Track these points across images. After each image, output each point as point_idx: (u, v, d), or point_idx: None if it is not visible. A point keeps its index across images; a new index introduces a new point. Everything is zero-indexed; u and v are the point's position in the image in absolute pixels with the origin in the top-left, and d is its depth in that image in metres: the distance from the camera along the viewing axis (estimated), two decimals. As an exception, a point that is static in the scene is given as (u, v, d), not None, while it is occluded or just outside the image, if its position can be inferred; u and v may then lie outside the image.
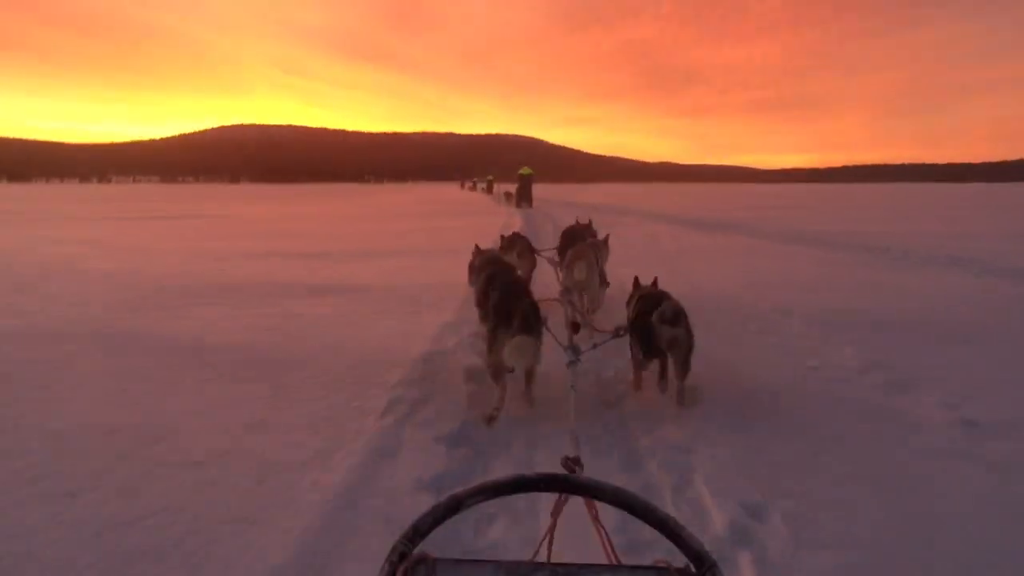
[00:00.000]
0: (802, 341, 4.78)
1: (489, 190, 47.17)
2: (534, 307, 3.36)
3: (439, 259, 8.99)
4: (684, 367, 3.38)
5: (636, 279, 4.18)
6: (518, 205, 25.65)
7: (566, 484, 0.89)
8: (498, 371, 3.30)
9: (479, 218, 18.34)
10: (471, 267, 4.80)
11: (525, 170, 26.37)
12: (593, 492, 0.86)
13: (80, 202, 32.17)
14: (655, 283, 4.08)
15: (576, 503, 0.97)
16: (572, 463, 1.36)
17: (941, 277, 7.83)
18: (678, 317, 3.34)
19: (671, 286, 4.00)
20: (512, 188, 28.68)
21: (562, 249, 6.06)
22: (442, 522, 0.81)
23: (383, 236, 13.09)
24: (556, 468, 1.22)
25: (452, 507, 0.82)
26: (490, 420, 3.23)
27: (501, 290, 3.63)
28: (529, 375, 3.45)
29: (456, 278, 6.05)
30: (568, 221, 7.79)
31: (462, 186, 74.77)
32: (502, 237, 6.38)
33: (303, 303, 6.00)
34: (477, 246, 5.06)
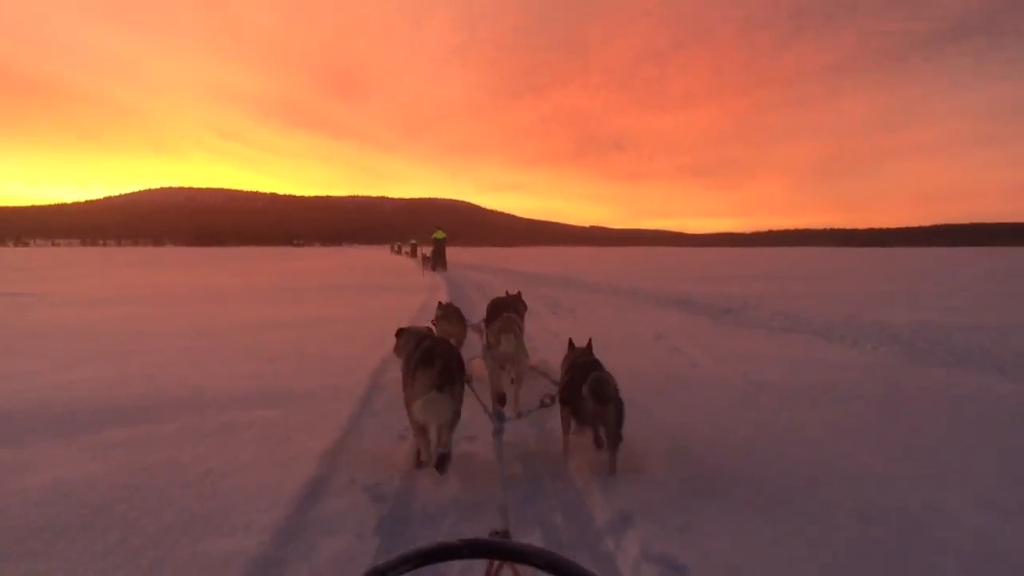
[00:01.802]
0: None
1: (413, 254, 45.76)
2: (458, 361, 3.31)
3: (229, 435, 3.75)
4: (614, 438, 3.26)
5: (570, 341, 4.14)
6: (433, 268, 25.95)
7: (492, 549, 0.82)
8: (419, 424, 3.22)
9: (391, 296, 13.84)
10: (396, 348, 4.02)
11: (439, 233, 27.12)
12: (521, 557, 0.80)
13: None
14: (589, 346, 3.97)
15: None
16: (500, 537, 1.26)
17: None
18: (607, 392, 3.17)
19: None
20: (430, 251, 28.75)
21: (489, 320, 5.59)
22: None
23: (217, 341, 7.38)
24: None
25: None
26: (419, 465, 3.22)
27: (427, 343, 3.43)
28: (440, 434, 3.20)
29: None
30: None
31: (391, 249, 72.78)
32: (439, 304, 6.39)
33: None
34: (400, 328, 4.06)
